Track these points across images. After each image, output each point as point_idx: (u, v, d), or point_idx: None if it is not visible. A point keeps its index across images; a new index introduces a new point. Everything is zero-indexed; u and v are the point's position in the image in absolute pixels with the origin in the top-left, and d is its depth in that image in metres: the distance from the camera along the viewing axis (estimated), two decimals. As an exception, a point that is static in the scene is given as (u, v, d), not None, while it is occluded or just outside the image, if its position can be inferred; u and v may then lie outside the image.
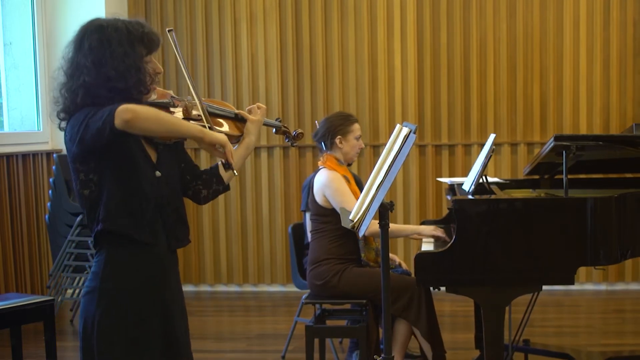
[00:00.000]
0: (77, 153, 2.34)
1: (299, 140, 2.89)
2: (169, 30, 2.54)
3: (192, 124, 2.35)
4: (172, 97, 2.51)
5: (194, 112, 2.48)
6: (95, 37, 2.28)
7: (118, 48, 2.26)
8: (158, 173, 2.43)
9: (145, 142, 2.42)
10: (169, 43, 2.57)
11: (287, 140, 2.86)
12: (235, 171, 2.45)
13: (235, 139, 2.58)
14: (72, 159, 2.38)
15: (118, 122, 2.19)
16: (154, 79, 2.37)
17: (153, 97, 2.41)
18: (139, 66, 2.30)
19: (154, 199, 2.40)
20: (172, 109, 2.45)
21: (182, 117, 2.44)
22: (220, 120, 2.58)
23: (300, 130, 2.85)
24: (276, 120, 2.82)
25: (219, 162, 2.52)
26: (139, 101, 2.31)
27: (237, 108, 2.71)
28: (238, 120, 2.62)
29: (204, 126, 2.43)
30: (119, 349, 2.36)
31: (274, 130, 2.83)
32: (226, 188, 2.64)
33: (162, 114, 2.28)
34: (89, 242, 5.79)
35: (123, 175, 2.35)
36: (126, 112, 2.19)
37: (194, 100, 2.50)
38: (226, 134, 2.49)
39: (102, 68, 2.26)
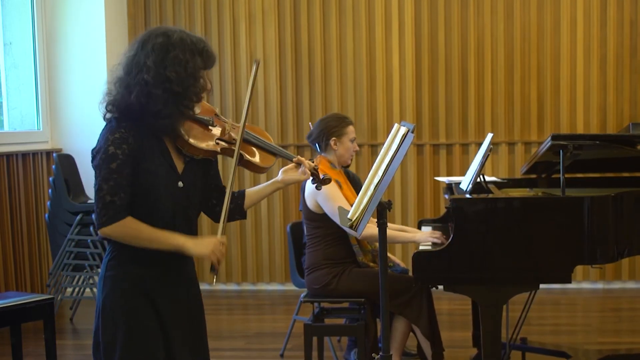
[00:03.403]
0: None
1: (327, 184, 2.92)
2: (256, 61, 2.61)
3: (174, 239, 2.42)
4: (215, 114, 2.61)
5: (232, 135, 2.59)
6: (160, 40, 2.38)
7: (181, 55, 2.37)
8: (180, 184, 2.48)
9: (174, 153, 2.49)
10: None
11: (312, 182, 2.88)
12: (215, 278, 2.56)
13: (261, 170, 2.74)
14: (92, 165, 2.45)
15: (100, 230, 2.37)
16: (203, 93, 2.47)
17: (197, 111, 2.50)
18: (196, 76, 2.41)
19: (170, 209, 2.44)
20: (210, 127, 2.56)
21: (219, 136, 2.56)
22: (253, 149, 2.70)
23: (328, 176, 2.90)
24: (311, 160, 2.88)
25: (211, 270, 2.54)
26: (188, 108, 2.41)
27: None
28: (271, 153, 2.74)
29: (232, 151, 2.53)
30: (120, 333, 2.43)
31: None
32: (244, 217, 2.77)
33: (143, 233, 2.38)
34: (89, 241, 5.81)
35: (139, 191, 2.40)
36: (110, 232, 2.36)
37: (236, 124, 2.61)
38: (255, 163, 2.69)
39: (164, 69, 2.35)
